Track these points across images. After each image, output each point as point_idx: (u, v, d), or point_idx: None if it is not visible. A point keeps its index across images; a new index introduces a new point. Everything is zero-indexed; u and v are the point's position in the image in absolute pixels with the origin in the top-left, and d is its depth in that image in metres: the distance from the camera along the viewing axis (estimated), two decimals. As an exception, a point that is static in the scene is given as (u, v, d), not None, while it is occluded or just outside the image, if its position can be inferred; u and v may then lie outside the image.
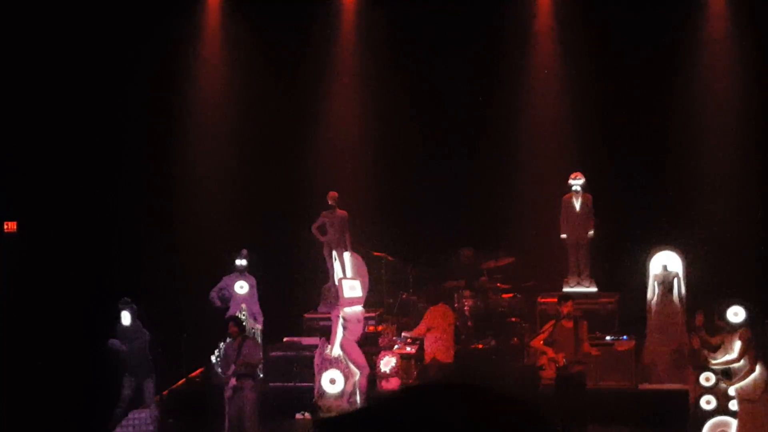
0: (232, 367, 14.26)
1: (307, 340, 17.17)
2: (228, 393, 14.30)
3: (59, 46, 17.60)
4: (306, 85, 19.44)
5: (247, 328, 16.33)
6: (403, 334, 16.36)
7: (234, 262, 17.12)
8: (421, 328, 15.86)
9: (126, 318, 14.76)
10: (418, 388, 1.42)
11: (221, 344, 14.58)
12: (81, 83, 17.69)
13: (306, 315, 18.06)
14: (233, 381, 14.23)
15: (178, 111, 19.15)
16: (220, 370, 14.65)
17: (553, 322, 14.81)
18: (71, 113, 17.68)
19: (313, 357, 16.23)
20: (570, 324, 14.69)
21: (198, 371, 16.59)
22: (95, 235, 17.21)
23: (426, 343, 15.89)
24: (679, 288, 16.28)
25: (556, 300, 16.09)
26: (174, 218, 18.08)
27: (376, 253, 18.20)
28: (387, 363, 15.34)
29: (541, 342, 14.53)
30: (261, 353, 15.65)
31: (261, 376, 16.31)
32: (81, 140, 17.66)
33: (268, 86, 19.17)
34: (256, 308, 17.21)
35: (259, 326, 17.21)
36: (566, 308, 14.82)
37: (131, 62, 18.09)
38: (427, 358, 15.74)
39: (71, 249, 17.00)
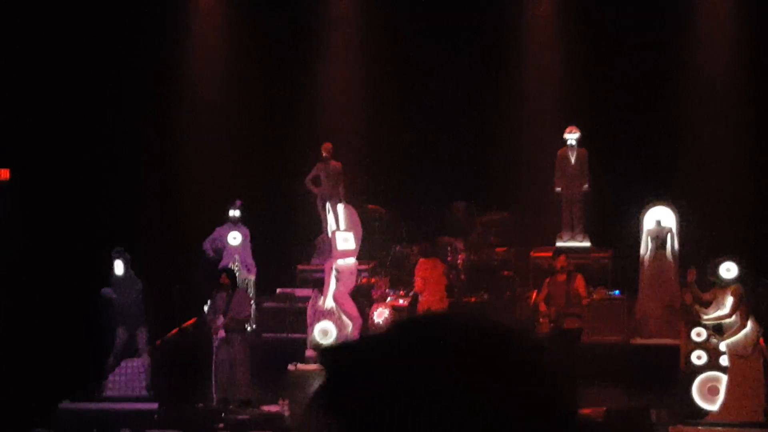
0: (221, 318, 14.27)
1: (300, 292, 17.20)
2: (217, 344, 14.34)
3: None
4: (302, 38, 19.33)
5: (239, 279, 16.35)
6: (412, 292, 16.34)
7: (227, 212, 17.10)
8: (418, 282, 15.87)
9: (119, 267, 14.75)
10: (429, 315, 1.46)
11: (212, 294, 14.58)
12: (76, 35, 17.57)
13: (299, 266, 18.08)
14: (222, 333, 14.26)
15: (173, 62, 19.05)
16: (208, 319, 14.67)
17: (548, 279, 14.89)
18: (66, 61, 17.58)
19: (305, 308, 16.28)
20: (563, 278, 14.75)
21: (191, 321, 16.60)
22: (89, 185, 17.16)
23: (421, 295, 15.92)
24: (672, 243, 16.30)
25: (549, 255, 16.15)
26: (169, 169, 18.02)
27: (369, 206, 18.19)
28: (380, 314, 15.39)
29: (541, 299, 14.62)
30: (250, 308, 15.66)
31: (251, 328, 16.34)
32: (76, 88, 17.56)
33: (265, 38, 19.06)
34: (250, 259, 17.21)
35: (252, 277, 17.22)
36: (559, 263, 14.88)
37: (128, 17, 17.99)
38: (421, 310, 15.76)
39: (65, 198, 16.95)
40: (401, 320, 1.48)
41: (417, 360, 1.37)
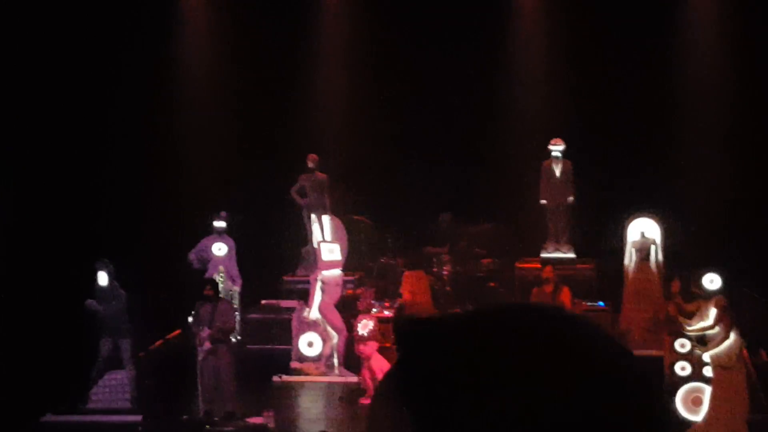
0: (206, 330, 14.25)
1: (285, 303, 17.20)
2: (201, 356, 14.30)
3: None
4: (289, 50, 19.36)
5: (224, 290, 16.34)
6: (398, 303, 16.33)
7: (213, 223, 17.09)
8: (405, 294, 15.88)
9: (103, 278, 14.70)
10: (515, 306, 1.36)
11: (196, 305, 14.55)
12: (66, 30, 17.54)
13: (284, 278, 18.07)
14: (207, 344, 14.23)
15: (158, 73, 19.03)
16: (193, 331, 14.63)
17: (536, 289, 14.95)
18: (49, 66, 17.55)
19: (291, 320, 16.27)
20: (549, 289, 14.81)
21: (175, 332, 16.58)
22: (73, 196, 17.12)
23: (406, 308, 15.91)
24: (656, 255, 16.33)
25: (534, 266, 16.20)
26: (154, 179, 18.00)
27: (355, 217, 18.21)
28: (365, 326, 15.34)
29: None
30: (235, 318, 15.63)
31: (236, 340, 16.33)
32: (62, 97, 17.53)
33: (253, 49, 19.09)
34: (235, 270, 17.20)
35: (237, 288, 17.21)
36: (545, 273, 14.93)
37: (119, 16, 18.00)
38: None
39: (48, 209, 16.91)
40: (486, 306, 1.36)
41: (503, 347, 1.26)
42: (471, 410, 1.22)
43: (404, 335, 1.31)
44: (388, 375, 1.31)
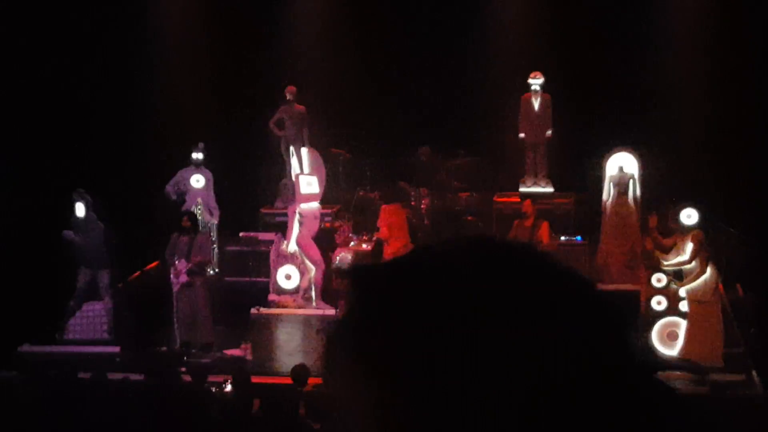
0: (183, 262, 14.22)
1: (263, 236, 17.18)
2: (177, 288, 14.29)
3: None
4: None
5: (202, 222, 16.30)
6: (375, 237, 16.32)
7: (190, 155, 17.00)
8: (383, 229, 15.87)
9: (80, 209, 14.64)
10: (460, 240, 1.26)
11: (172, 236, 14.51)
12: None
13: (262, 210, 18.04)
14: (184, 277, 14.21)
15: (137, 4, 18.82)
16: (168, 262, 14.60)
17: (517, 221, 15.00)
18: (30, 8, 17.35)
19: (268, 252, 16.27)
20: (529, 223, 14.87)
21: (153, 264, 16.57)
22: (50, 126, 16.98)
23: (383, 242, 15.93)
24: (634, 190, 16.36)
25: (512, 200, 16.22)
26: (131, 111, 17.85)
27: (333, 150, 18.14)
28: (342, 259, 15.38)
29: None
30: (211, 251, 15.63)
31: (214, 272, 16.32)
32: (36, 33, 17.33)
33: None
34: (212, 202, 17.15)
35: (214, 220, 17.17)
36: (524, 207, 14.98)
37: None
38: (386, 256, 15.78)
39: (24, 140, 16.78)
40: (453, 239, 1.27)
41: (477, 286, 1.17)
42: (432, 356, 1.13)
43: (358, 279, 1.23)
44: (340, 323, 1.21)
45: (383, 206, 16.08)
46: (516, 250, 1.25)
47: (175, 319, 14.35)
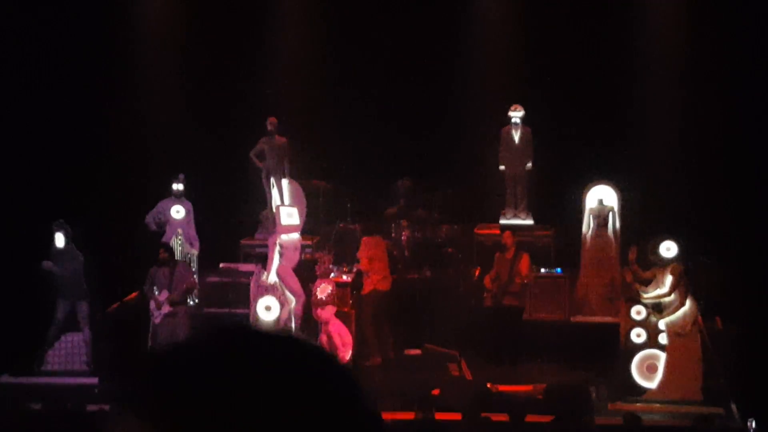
0: (164, 292, 14.19)
1: (243, 267, 17.15)
2: (157, 320, 14.25)
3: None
4: (250, 11, 19.23)
5: (182, 253, 16.28)
6: (356, 269, 16.32)
7: (171, 186, 16.99)
8: (363, 260, 15.89)
9: (60, 240, 14.61)
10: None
11: (150, 270, 14.50)
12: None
13: (243, 241, 18.02)
14: (166, 308, 14.18)
15: (118, 29, 18.85)
16: (148, 296, 14.56)
17: (498, 254, 15.06)
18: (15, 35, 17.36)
19: (249, 283, 16.23)
20: (509, 255, 14.93)
21: (133, 295, 16.51)
22: (30, 157, 16.96)
23: (363, 274, 15.93)
24: (613, 222, 16.44)
25: (492, 232, 16.27)
26: (112, 141, 17.85)
27: (314, 181, 18.15)
28: (323, 290, 15.36)
29: (489, 275, 14.80)
30: (194, 279, 15.62)
31: (193, 302, 16.29)
32: (20, 60, 17.34)
33: (215, 10, 18.96)
34: (193, 233, 17.13)
35: (195, 251, 17.16)
36: (504, 239, 15.05)
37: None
38: (367, 289, 15.79)
39: (5, 169, 16.74)
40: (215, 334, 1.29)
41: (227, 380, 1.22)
42: None
43: (142, 372, 1.27)
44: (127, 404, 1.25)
45: (364, 238, 16.10)
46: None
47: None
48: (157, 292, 14.30)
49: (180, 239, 16.73)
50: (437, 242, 17.74)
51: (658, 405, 13.42)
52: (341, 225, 18.06)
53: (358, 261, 16.09)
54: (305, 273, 16.18)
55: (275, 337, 1.29)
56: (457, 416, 12.07)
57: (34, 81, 17.42)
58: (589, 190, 16.50)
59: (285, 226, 16.05)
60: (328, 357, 1.29)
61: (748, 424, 11.77)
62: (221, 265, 17.46)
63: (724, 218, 16.51)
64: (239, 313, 16.27)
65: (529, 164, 17.56)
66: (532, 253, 15.78)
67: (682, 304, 13.44)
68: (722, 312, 15.14)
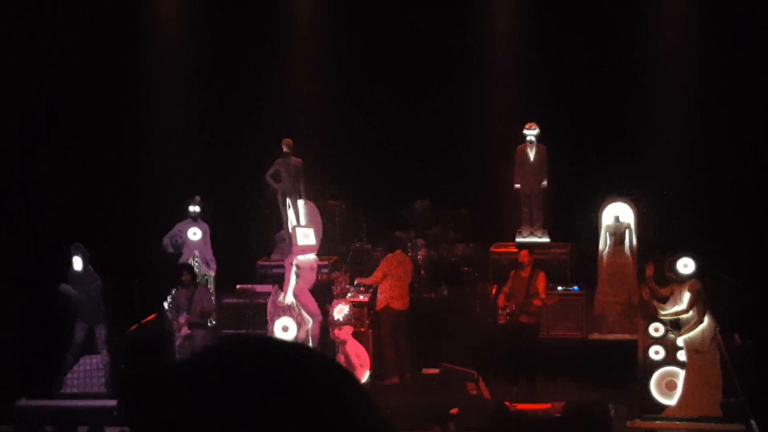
0: (185, 315, 14.22)
1: (260, 288, 17.16)
2: (179, 342, 14.27)
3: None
4: (264, 34, 19.31)
5: (199, 275, 16.30)
6: (356, 281, 16.36)
7: (187, 208, 17.04)
8: (377, 274, 15.88)
9: (78, 263, 14.65)
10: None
11: (173, 291, 14.54)
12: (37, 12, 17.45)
13: (259, 262, 18.04)
14: (185, 330, 14.20)
15: (133, 55, 18.94)
16: (171, 317, 14.61)
17: (513, 272, 15.02)
18: (25, 53, 17.46)
19: (266, 304, 16.24)
20: (526, 273, 14.87)
21: (150, 317, 16.54)
22: (48, 179, 17.03)
23: (380, 290, 15.90)
24: (630, 239, 16.41)
25: (508, 250, 16.24)
26: (128, 164, 17.93)
27: (330, 202, 18.18)
28: (340, 311, 15.36)
29: (503, 292, 14.75)
30: (213, 301, 15.64)
31: (211, 324, 16.30)
32: (35, 81, 17.43)
33: (230, 32, 19.03)
34: (209, 255, 17.16)
35: (212, 273, 17.19)
36: (521, 257, 15.00)
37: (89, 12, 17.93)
38: (380, 306, 15.77)
39: (23, 192, 16.82)
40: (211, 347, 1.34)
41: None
42: None
43: (128, 389, 1.30)
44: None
45: (387, 254, 16.07)
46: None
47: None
48: (178, 315, 14.34)
49: (197, 261, 16.76)
50: (453, 261, 17.74)
51: (677, 422, 13.35)
52: (357, 245, 18.08)
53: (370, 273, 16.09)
54: (322, 293, 16.19)
55: (290, 348, 1.30)
56: (476, 435, 12.05)
57: (52, 104, 17.51)
58: (605, 207, 16.48)
59: (301, 246, 16.06)
60: (343, 372, 1.30)
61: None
62: (238, 286, 17.47)
63: (742, 234, 16.46)
64: (256, 334, 16.28)
65: (545, 182, 17.55)
66: (548, 271, 15.73)
67: (701, 321, 13.38)
68: (741, 328, 15.08)
